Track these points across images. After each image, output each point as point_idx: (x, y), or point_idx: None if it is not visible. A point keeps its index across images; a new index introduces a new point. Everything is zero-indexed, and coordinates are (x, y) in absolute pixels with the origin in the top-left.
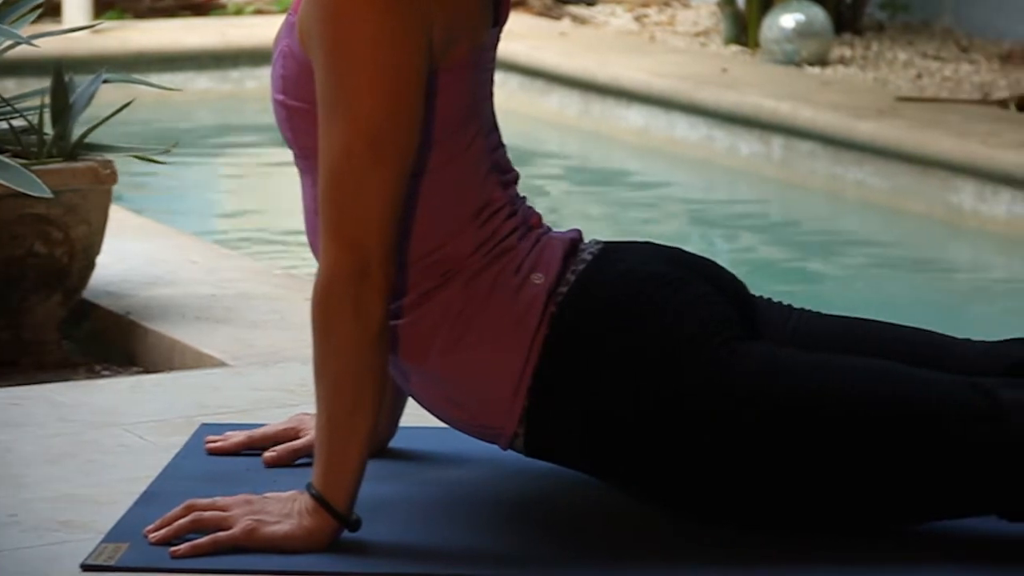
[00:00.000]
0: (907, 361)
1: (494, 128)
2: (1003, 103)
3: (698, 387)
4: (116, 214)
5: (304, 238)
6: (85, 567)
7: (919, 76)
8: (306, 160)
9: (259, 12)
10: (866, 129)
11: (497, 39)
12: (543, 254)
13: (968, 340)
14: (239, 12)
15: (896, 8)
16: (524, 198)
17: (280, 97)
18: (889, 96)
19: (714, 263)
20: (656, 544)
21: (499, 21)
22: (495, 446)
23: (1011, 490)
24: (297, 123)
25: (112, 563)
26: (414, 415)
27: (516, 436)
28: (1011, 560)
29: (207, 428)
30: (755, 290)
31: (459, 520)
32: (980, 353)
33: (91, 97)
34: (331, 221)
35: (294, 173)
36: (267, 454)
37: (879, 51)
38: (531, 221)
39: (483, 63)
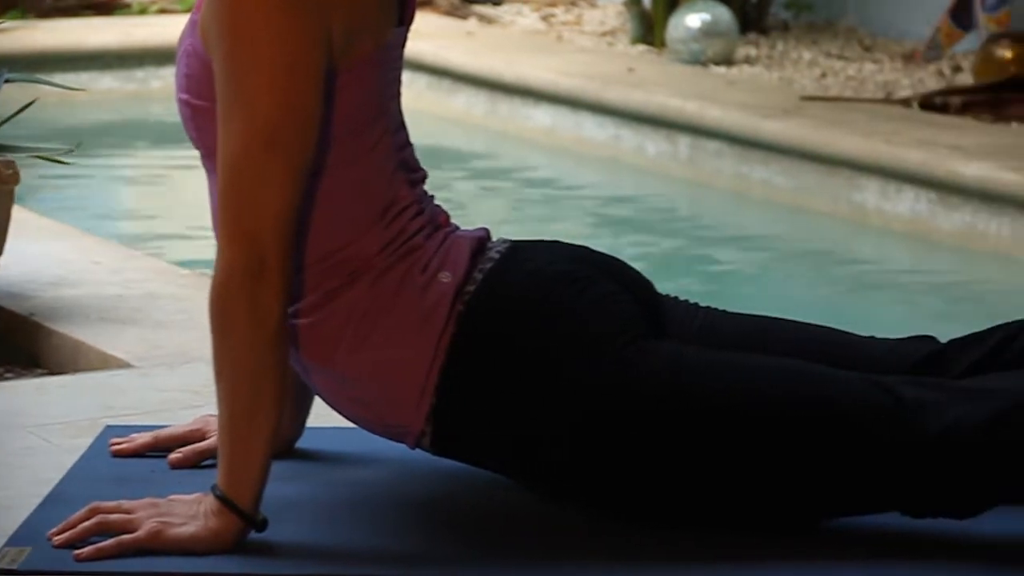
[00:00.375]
0: (813, 359)
1: (401, 127)
2: (906, 102)
3: (604, 386)
4: (19, 215)
5: (212, 238)
6: None
7: (823, 75)
8: (211, 159)
9: (163, 11)
10: (771, 128)
11: (404, 38)
12: (450, 253)
13: (873, 338)
14: (143, 11)
15: (800, 8)
16: (432, 197)
17: (184, 96)
18: (794, 95)
19: (621, 262)
20: (562, 543)
21: (405, 20)
22: (402, 446)
23: (913, 487)
24: (201, 122)
25: (14, 567)
26: (320, 415)
27: (423, 435)
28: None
29: (112, 430)
30: (662, 288)
31: (365, 520)
32: (885, 351)
33: None
34: (227, 218)
35: (200, 173)
36: (172, 456)
37: (784, 51)
38: (439, 220)
39: (389, 62)
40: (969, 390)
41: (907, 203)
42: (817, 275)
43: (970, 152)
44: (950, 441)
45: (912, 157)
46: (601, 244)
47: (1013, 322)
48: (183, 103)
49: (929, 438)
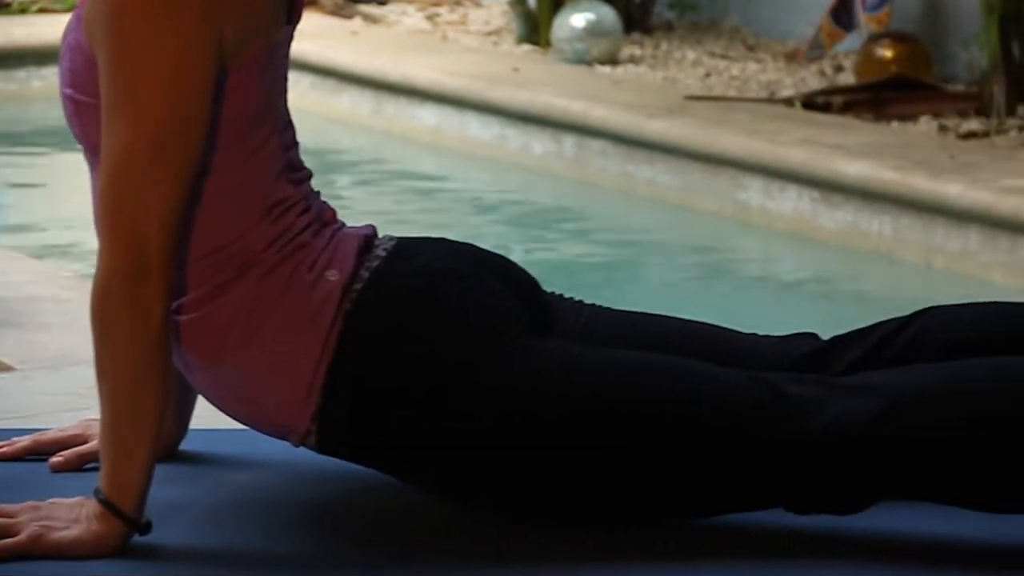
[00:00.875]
0: (697, 356)
1: (288, 126)
2: (789, 101)
3: (490, 383)
4: None
5: (95, 239)
6: None
7: (708, 75)
8: (94, 155)
9: (44, 11)
10: (656, 128)
11: (291, 37)
12: (337, 250)
13: (756, 336)
14: (24, 11)
15: (684, 8)
16: (318, 194)
17: (68, 91)
18: (678, 95)
19: (507, 260)
20: (451, 543)
21: (292, 19)
22: (288, 448)
23: (796, 484)
24: (85, 118)
25: None
26: (204, 417)
27: (309, 433)
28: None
29: None
30: (548, 287)
31: (251, 522)
32: (768, 348)
33: None
34: (110, 219)
35: (82, 174)
36: (54, 459)
37: (668, 50)
38: (325, 217)
39: (277, 61)
40: (851, 387)
41: (790, 202)
42: (702, 273)
43: (852, 151)
44: (832, 438)
45: (795, 156)
46: (487, 243)
47: (893, 319)
48: (67, 98)
49: (811, 435)
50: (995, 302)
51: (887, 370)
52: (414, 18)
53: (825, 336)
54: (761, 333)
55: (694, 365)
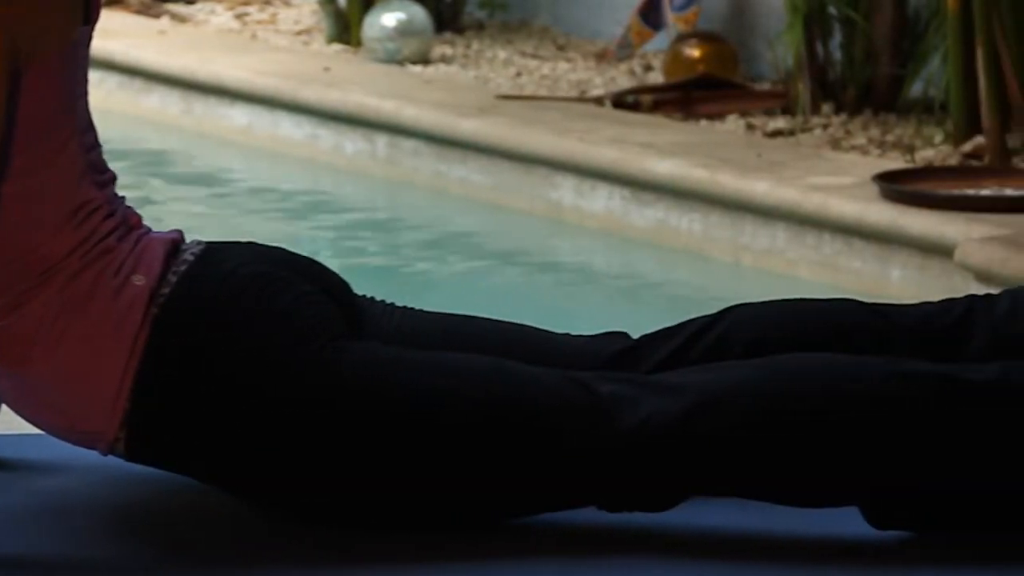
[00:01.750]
0: (509, 357)
1: (90, 127)
2: (599, 100)
3: (303, 388)
4: None
5: None
6: None
7: (519, 74)
8: None
9: None
10: (468, 127)
11: (90, 37)
12: (144, 255)
13: (567, 335)
14: None
15: (495, 7)
16: (123, 198)
17: None
18: (490, 94)
19: (317, 263)
20: (260, 547)
21: (90, 19)
22: (94, 454)
23: (609, 482)
24: None
25: None
26: (4, 422)
27: (117, 440)
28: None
29: None
30: (361, 289)
31: (57, 530)
32: (578, 347)
33: None
34: None
35: None
36: None
37: (480, 50)
38: (131, 221)
39: (75, 61)
40: (662, 385)
41: (601, 200)
42: (515, 272)
43: (662, 149)
44: (644, 436)
45: (605, 155)
46: (299, 245)
47: (702, 317)
48: None
49: (623, 434)
50: (801, 299)
51: (698, 367)
52: (223, 17)
53: (636, 334)
54: (574, 331)
55: (507, 365)
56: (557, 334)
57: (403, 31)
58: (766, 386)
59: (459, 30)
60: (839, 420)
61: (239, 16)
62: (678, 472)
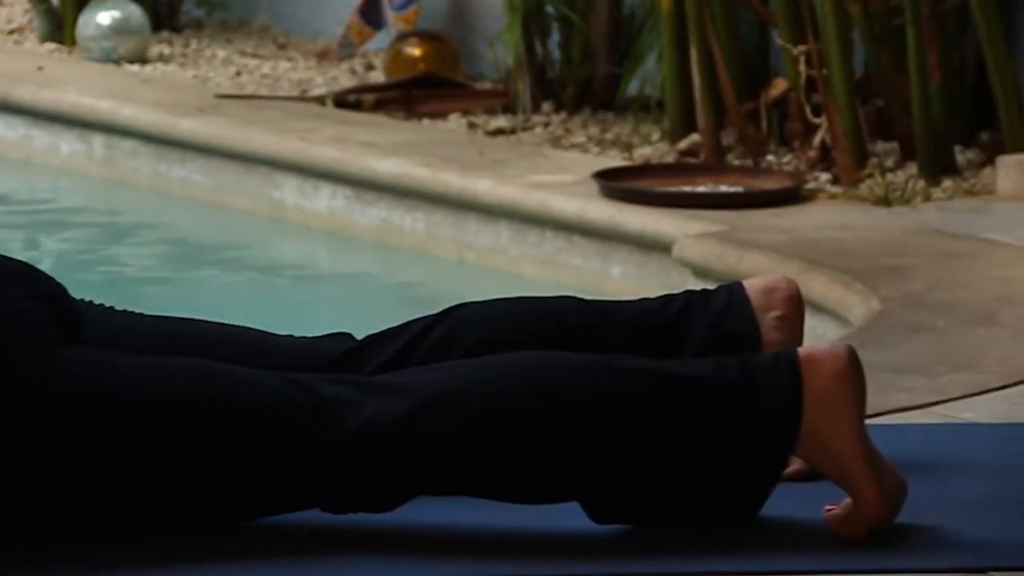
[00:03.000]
0: (233, 361)
1: None
2: (320, 100)
3: (20, 395)
4: None
5: None
6: None
7: (239, 73)
8: None
9: None
10: (188, 126)
11: None
12: None
13: (291, 337)
14: None
15: (213, 6)
16: None
17: None
18: (209, 93)
19: (30, 266)
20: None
21: None
22: None
23: (334, 484)
24: None
25: None
26: None
27: None
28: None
29: None
30: (80, 292)
31: None
32: (303, 350)
33: None
34: None
35: None
36: None
37: (198, 49)
38: None
39: None
40: (387, 386)
41: (324, 200)
42: (238, 273)
43: (384, 149)
44: (368, 437)
45: (327, 154)
46: (14, 247)
47: (425, 317)
48: None
49: (347, 435)
50: (523, 297)
51: (423, 368)
52: None
53: (362, 334)
54: (300, 333)
55: (228, 369)
56: (281, 336)
57: (119, 30)
58: (487, 386)
59: (177, 29)
60: (555, 418)
61: None
62: (402, 472)
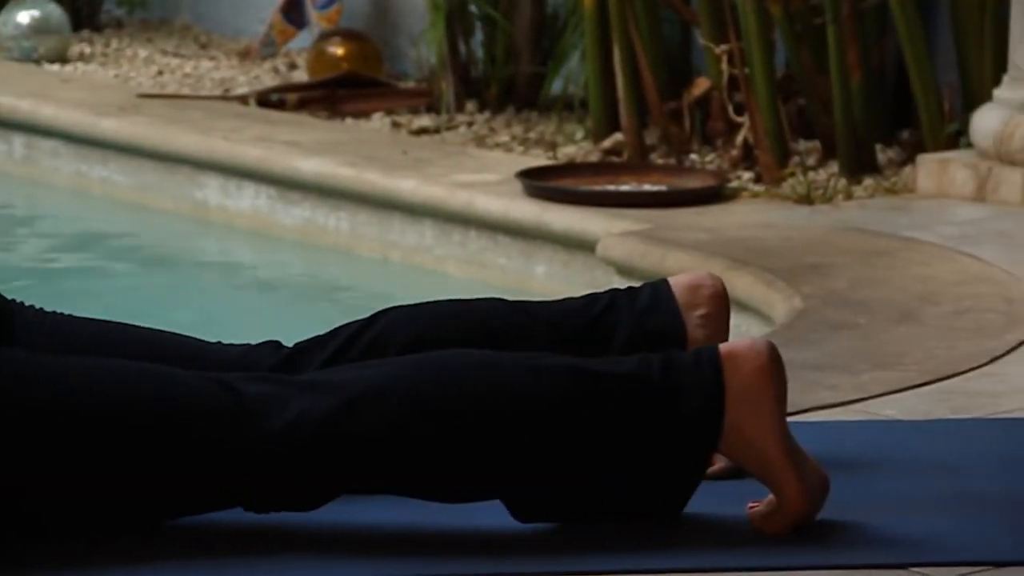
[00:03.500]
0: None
1: None
2: (243, 99)
3: None
4: None
5: None
6: None
7: (160, 73)
8: None
9: None
10: (109, 126)
11: None
12: None
13: (222, 344)
14: None
15: (134, 5)
16: None
17: None
18: (131, 93)
19: None
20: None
21: None
22: None
23: (258, 483)
24: None
25: None
26: None
27: None
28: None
29: None
30: (4, 293)
31: None
32: (235, 357)
33: None
34: None
35: None
36: None
37: (119, 48)
38: None
39: None
40: (312, 383)
41: (248, 200)
42: (162, 274)
43: (307, 148)
44: (293, 435)
45: (251, 154)
46: None
47: (355, 321)
48: None
49: (271, 434)
50: (451, 300)
51: (348, 366)
52: None
53: (289, 336)
54: (226, 332)
55: (152, 369)
56: (211, 343)
57: (39, 29)
58: (409, 385)
59: (97, 28)
60: (478, 417)
61: None
62: (325, 471)
